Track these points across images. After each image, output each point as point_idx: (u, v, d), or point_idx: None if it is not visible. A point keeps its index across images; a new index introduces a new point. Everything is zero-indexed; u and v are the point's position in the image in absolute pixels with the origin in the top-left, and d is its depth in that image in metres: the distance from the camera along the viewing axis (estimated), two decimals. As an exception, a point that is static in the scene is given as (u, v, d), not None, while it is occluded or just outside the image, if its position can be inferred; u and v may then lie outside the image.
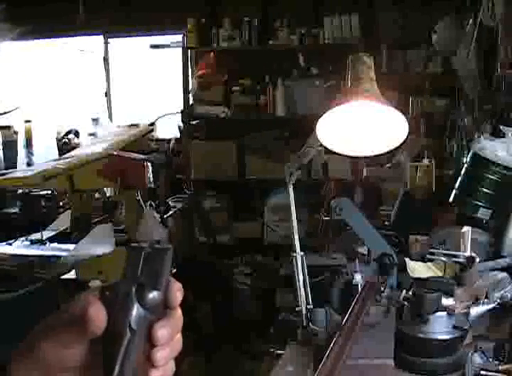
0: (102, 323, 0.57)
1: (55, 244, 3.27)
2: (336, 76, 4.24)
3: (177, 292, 0.60)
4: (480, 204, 2.22)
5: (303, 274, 1.64)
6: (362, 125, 1.39)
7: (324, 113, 1.33)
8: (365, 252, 1.91)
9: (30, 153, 5.01)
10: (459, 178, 2.33)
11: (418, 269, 1.87)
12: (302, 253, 1.66)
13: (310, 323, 1.61)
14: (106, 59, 5.40)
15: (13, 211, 3.96)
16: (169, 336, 0.59)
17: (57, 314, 0.63)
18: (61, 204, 3.98)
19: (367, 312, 1.38)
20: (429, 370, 1.40)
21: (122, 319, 0.55)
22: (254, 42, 4.73)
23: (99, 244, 2.88)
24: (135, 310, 0.56)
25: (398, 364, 1.41)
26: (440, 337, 1.41)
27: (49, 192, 3.88)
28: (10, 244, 3.29)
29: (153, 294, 0.56)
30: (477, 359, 1.42)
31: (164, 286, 0.58)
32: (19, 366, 0.62)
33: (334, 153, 1.43)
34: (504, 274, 1.83)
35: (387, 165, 3.80)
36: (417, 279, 1.71)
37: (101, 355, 0.57)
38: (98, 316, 0.57)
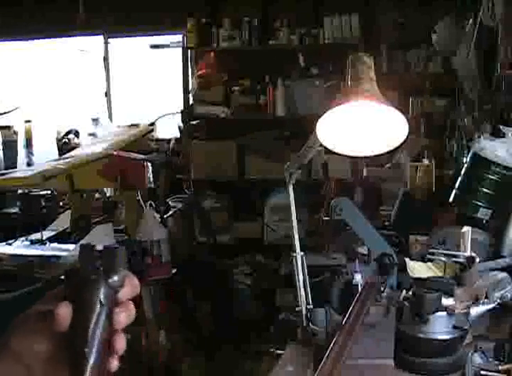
0: (67, 321, 0.64)
1: (55, 244, 3.28)
2: (336, 76, 4.25)
3: (130, 286, 0.68)
4: (480, 204, 2.22)
5: (303, 274, 1.64)
6: (362, 125, 1.38)
7: (324, 113, 1.32)
8: (366, 252, 1.91)
9: (30, 153, 5.01)
10: (459, 178, 2.33)
11: (418, 269, 1.87)
12: (302, 253, 1.66)
13: (310, 323, 1.61)
14: (106, 59, 5.40)
15: (13, 211, 3.96)
16: (126, 321, 0.67)
17: (28, 311, 0.69)
18: (61, 204, 3.98)
19: (367, 312, 1.38)
20: (429, 370, 1.40)
21: (93, 295, 0.64)
22: (254, 42, 4.73)
23: (99, 244, 2.88)
24: (104, 288, 0.64)
25: (398, 364, 1.42)
26: (440, 337, 1.41)
27: (49, 192, 3.88)
28: (10, 244, 3.29)
29: (114, 279, 0.65)
30: (477, 359, 1.42)
31: (122, 273, 0.66)
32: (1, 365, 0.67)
33: (334, 153, 1.43)
34: (504, 274, 1.83)
35: (387, 165, 3.80)
36: (417, 279, 1.71)
37: (68, 348, 0.64)
38: (64, 313, 0.64)
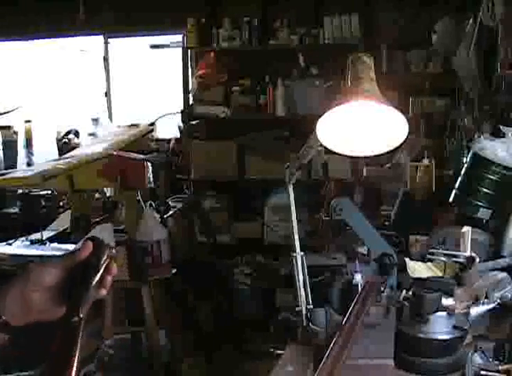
0: (85, 255, 0.96)
1: (55, 244, 3.28)
2: (336, 76, 4.24)
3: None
4: (480, 204, 2.22)
5: (303, 274, 1.64)
6: (362, 125, 1.38)
7: (324, 113, 1.33)
8: (365, 252, 1.91)
9: (30, 153, 5.01)
10: (459, 179, 2.33)
11: (418, 269, 1.87)
12: (302, 253, 1.66)
13: (310, 323, 1.61)
14: (106, 59, 5.40)
15: (13, 211, 3.96)
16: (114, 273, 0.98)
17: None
18: (61, 204, 3.98)
19: (367, 312, 1.38)
20: (429, 370, 1.40)
21: (104, 250, 1.00)
22: (254, 42, 4.73)
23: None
24: (108, 249, 1.01)
25: (398, 364, 1.42)
26: (440, 337, 1.41)
27: (49, 192, 3.88)
28: (10, 244, 3.29)
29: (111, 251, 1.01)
30: (477, 359, 1.42)
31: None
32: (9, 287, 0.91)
33: (334, 153, 1.43)
34: (504, 274, 1.83)
35: (387, 165, 3.80)
36: (417, 279, 1.71)
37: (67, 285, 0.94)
38: (89, 247, 0.97)
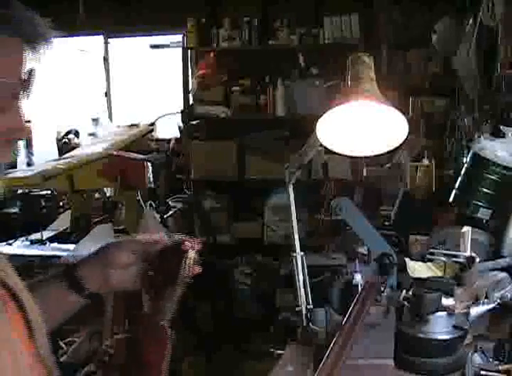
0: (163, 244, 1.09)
1: (55, 244, 3.28)
2: (336, 76, 4.24)
3: None
4: (480, 204, 2.21)
5: (303, 274, 1.64)
6: (362, 125, 1.38)
7: (324, 113, 1.33)
8: (366, 252, 1.91)
9: (30, 153, 5.01)
10: (459, 178, 2.32)
11: (418, 269, 1.87)
12: (302, 253, 1.66)
13: (310, 323, 1.61)
14: (106, 59, 5.40)
15: (13, 211, 3.96)
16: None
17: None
18: (61, 204, 3.98)
19: (367, 312, 1.38)
20: (429, 370, 1.40)
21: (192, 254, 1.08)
22: (254, 42, 4.73)
23: (98, 244, 2.88)
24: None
25: (398, 364, 1.41)
26: (440, 337, 1.41)
27: (49, 192, 3.88)
28: (10, 244, 3.29)
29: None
30: (477, 359, 1.42)
31: None
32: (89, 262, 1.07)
33: (334, 153, 1.43)
34: (504, 274, 1.83)
35: (387, 165, 3.79)
36: (417, 279, 1.71)
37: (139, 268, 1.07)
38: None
